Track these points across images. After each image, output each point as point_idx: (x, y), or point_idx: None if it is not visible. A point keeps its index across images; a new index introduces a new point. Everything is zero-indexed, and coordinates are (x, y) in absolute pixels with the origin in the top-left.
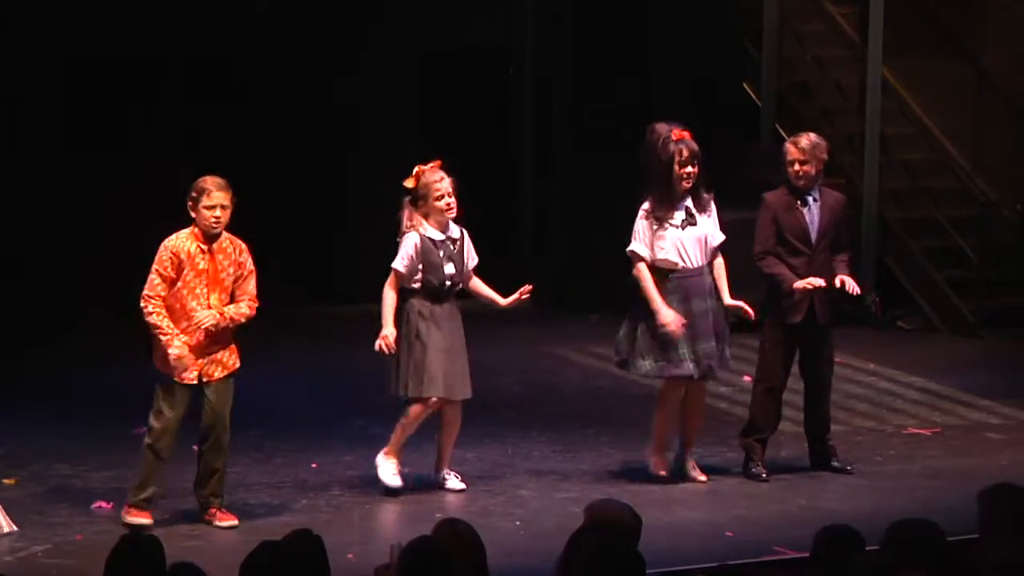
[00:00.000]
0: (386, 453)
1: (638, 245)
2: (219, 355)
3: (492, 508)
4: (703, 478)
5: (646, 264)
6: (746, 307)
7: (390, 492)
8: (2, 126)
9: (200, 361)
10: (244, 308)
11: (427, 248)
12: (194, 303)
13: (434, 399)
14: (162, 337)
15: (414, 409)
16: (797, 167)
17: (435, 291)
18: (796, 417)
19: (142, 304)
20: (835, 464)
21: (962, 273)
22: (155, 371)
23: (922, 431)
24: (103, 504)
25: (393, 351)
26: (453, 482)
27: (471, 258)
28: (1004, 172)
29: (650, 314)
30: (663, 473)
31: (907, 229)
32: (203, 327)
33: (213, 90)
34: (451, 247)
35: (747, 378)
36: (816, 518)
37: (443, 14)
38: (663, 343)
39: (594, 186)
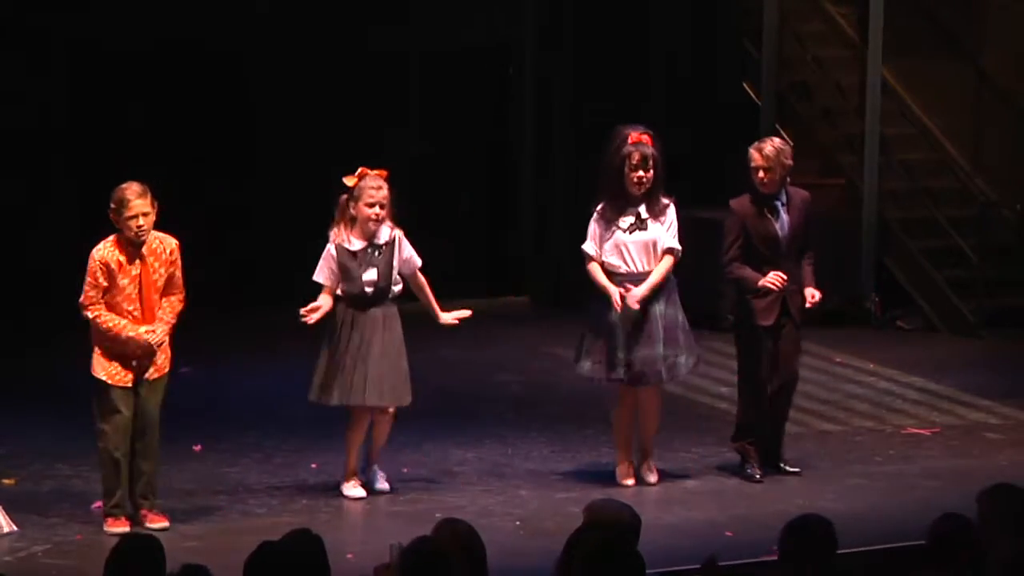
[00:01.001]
0: (344, 481)
1: (589, 244)
2: (154, 357)
3: (492, 508)
4: (653, 479)
5: (596, 262)
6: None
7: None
8: (3, 125)
9: (134, 365)
10: (171, 310)
11: (342, 257)
12: (130, 307)
13: (362, 408)
14: (120, 332)
15: (349, 425)
16: (761, 174)
17: (357, 298)
18: (794, 416)
19: (85, 313)
20: (782, 465)
21: (962, 273)
22: (93, 379)
23: (921, 431)
24: (101, 504)
25: (307, 319)
26: (379, 483)
27: (406, 261)
28: (1004, 172)
29: (596, 314)
30: (629, 483)
31: (907, 229)
32: (155, 343)
33: (213, 90)
34: (373, 254)
35: None
36: None
37: (443, 14)
38: (602, 345)
39: (594, 186)
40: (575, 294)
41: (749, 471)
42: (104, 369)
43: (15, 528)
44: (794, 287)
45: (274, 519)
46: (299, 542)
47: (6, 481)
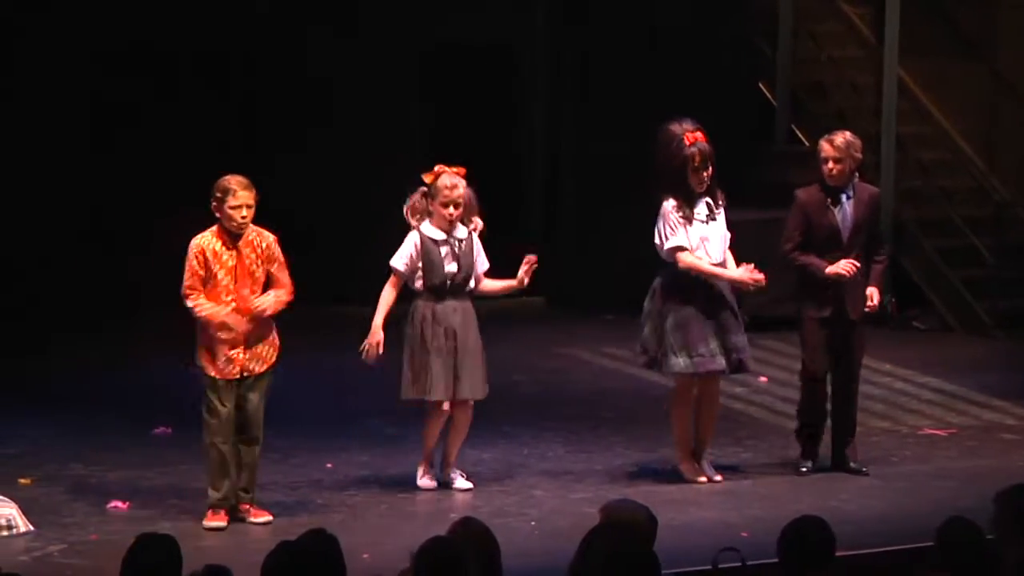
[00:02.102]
0: (420, 464)
1: (679, 239)
2: (260, 350)
3: (506, 508)
4: (718, 478)
5: (692, 253)
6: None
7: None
8: (10, 127)
9: (242, 357)
10: (284, 296)
11: (427, 247)
12: (227, 298)
13: (443, 403)
14: (218, 317)
15: (429, 417)
16: (831, 165)
17: (438, 290)
18: None
19: (186, 302)
20: (852, 465)
21: (977, 273)
22: (199, 371)
23: (937, 431)
24: (119, 504)
25: (373, 358)
26: (460, 482)
27: (480, 261)
28: (1019, 172)
29: (681, 308)
30: (702, 480)
31: (922, 229)
32: (266, 311)
33: (214, 89)
34: (456, 245)
35: (762, 379)
36: (831, 519)
37: (449, 11)
38: (695, 338)
39: (603, 185)
40: (587, 294)
41: (796, 462)
42: (210, 363)
43: (31, 528)
44: (852, 281)
45: (289, 519)
46: (315, 542)
47: (22, 481)
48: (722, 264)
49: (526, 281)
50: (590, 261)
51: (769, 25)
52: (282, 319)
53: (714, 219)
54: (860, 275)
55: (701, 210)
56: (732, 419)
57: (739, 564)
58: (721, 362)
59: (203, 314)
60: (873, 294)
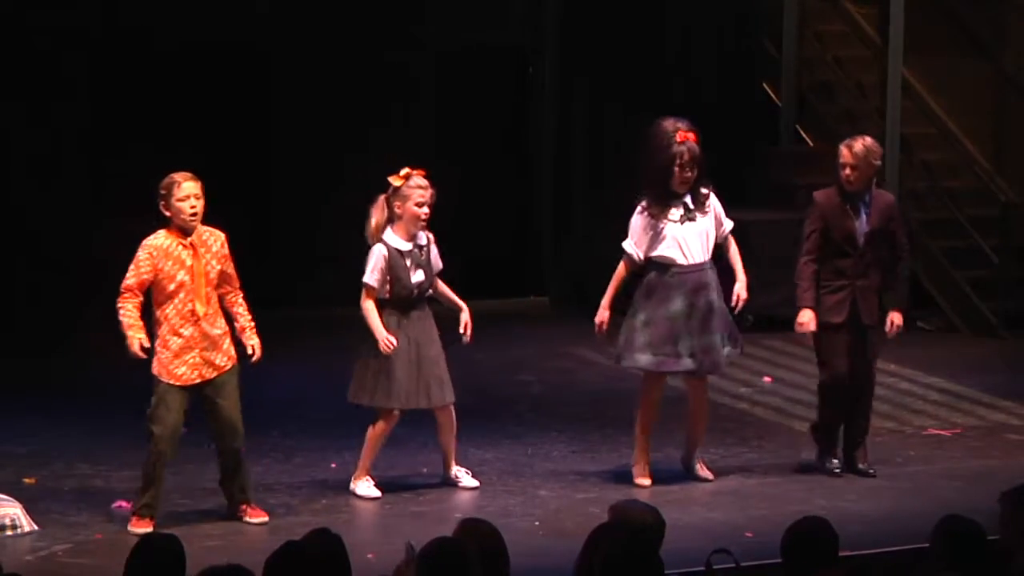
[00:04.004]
0: (356, 478)
1: (629, 243)
2: (211, 356)
3: (511, 508)
4: (711, 476)
5: (627, 263)
6: (742, 299)
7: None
8: (23, 123)
9: (198, 362)
10: (245, 309)
11: (393, 259)
12: (187, 298)
13: (396, 411)
14: (127, 328)
15: (378, 425)
16: (848, 171)
17: (404, 301)
18: (812, 417)
19: (117, 300)
20: (860, 467)
21: (983, 273)
22: (151, 375)
23: (942, 432)
24: (123, 504)
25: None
26: (466, 480)
27: (436, 263)
28: None
29: (652, 306)
30: (646, 483)
31: (927, 229)
32: (259, 357)
33: (221, 88)
34: (419, 254)
35: (767, 379)
36: (836, 519)
37: (462, 13)
38: (661, 337)
39: (612, 187)
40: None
41: (828, 464)
42: (164, 368)
43: (35, 527)
44: (866, 285)
45: (294, 519)
46: (320, 542)
47: (27, 480)
48: (705, 264)
49: (468, 325)
50: (596, 262)
51: (774, 25)
52: (283, 319)
53: (692, 219)
54: (866, 281)
55: (676, 211)
56: (737, 419)
57: (733, 566)
58: (687, 363)
59: (124, 320)
60: (892, 319)
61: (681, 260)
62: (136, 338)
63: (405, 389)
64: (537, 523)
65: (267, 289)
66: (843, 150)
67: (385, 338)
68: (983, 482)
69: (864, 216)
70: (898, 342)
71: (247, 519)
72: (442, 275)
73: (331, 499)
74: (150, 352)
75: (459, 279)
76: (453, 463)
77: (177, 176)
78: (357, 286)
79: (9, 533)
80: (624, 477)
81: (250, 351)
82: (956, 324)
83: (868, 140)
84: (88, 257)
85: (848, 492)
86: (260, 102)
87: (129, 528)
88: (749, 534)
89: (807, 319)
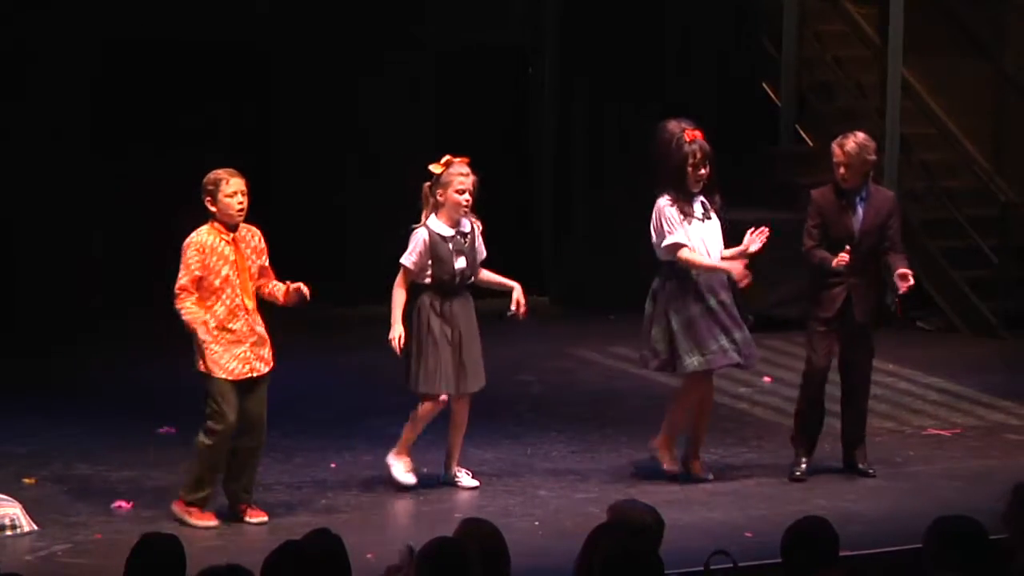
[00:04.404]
0: (397, 453)
1: (678, 235)
2: (262, 351)
3: (511, 508)
4: (711, 476)
5: (688, 248)
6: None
7: (402, 488)
8: (23, 123)
9: (248, 356)
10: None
11: (436, 243)
12: (230, 293)
13: (443, 396)
14: (194, 322)
15: (424, 407)
16: (842, 170)
17: (446, 286)
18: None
19: (175, 302)
20: (860, 467)
21: (982, 273)
22: (200, 374)
23: (942, 432)
24: (123, 504)
25: (399, 351)
26: (465, 480)
27: (481, 252)
28: None
29: (685, 308)
30: (676, 469)
31: (927, 229)
32: (305, 294)
33: (223, 88)
34: (461, 241)
35: (767, 379)
36: (836, 519)
37: (462, 13)
38: (704, 336)
39: (613, 186)
40: (595, 294)
41: (791, 466)
42: (215, 364)
43: (35, 527)
44: (862, 282)
45: (293, 519)
46: (319, 542)
47: (27, 481)
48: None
49: (520, 302)
50: (598, 261)
51: (774, 25)
52: (285, 319)
53: (710, 218)
54: (862, 277)
55: (697, 209)
56: (737, 419)
57: (730, 566)
58: (734, 356)
59: (187, 318)
60: (907, 275)
61: (707, 258)
62: (202, 321)
63: (445, 373)
64: (537, 523)
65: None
66: (835, 149)
67: (396, 335)
68: (983, 482)
69: (860, 212)
70: (898, 339)
71: (247, 519)
72: (485, 264)
73: (331, 499)
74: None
75: None
76: (455, 463)
77: (223, 172)
78: (358, 286)
79: (9, 533)
80: (624, 477)
81: (296, 288)
82: (955, 324)
83: (860, 136)
84: (88, 257)
85: (848, 492)
86: (260, 102)
87: (193, 521)
88: (749, 534)
89: (841, 257)
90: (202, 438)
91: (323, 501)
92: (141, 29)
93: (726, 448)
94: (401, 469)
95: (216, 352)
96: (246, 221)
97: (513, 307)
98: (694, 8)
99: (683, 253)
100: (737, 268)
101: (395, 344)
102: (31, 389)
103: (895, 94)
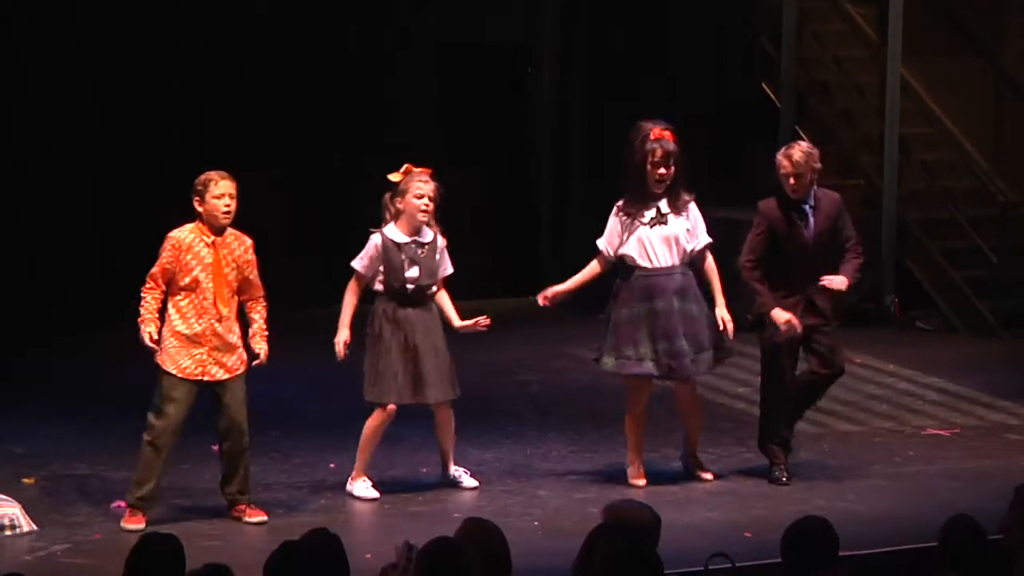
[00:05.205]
0: (352, 478)
1: (602, 240)
2: (222, 357)
3: (510, 508)
4: (709, 476)
5: (599, 261)
6: (728, 323)
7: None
8: (23, 123)
9: (205, 359)
10: (262, 318)
11: (388, 248)
12: (203, 295)
13: (391, 406)
14: (143, 321)
15: (373, 417)
16: (792, 181)
17: (398, 294)
18: (814, 417)
19: (142, 289)
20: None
21: (981, 273)
22: (156, 365)
23: (941, 432)
24: (122, 504)
25: (343, 357)
26: (465, 480)
27: (444, 267)
28: (1023, 172)
29: (618, 308)
30: (640, 483)
31: (926, 229)
32: (264, 361)
33: (221, 88)
34: (416, 250)
35: None
36: (835, 519)
37: (462, 13)
38: (624, 340)
39: (612, 187)
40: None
41: (776, 474)
42: (169, 357)
43: (35, 527)
44: (817, 289)
45: (293, 519)
46: (319, 542)
47: (26, 480)
48: (673, 268)
49: (463, 329)
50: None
51: (773, 25)
52: (286, 319)
53: (663, 223)
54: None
55: (649, 213)
56: (736, 419)
57: (729, 566)
58: (648, 366)
59: (141, 311)
60: (830, 280)
61: (644, 263)
62: (147, 331)
63: (398, 383)
64: (536, 523)
65: (267, 289)
66: (782, 160)
67: (341, 339)
68: (982, 482)
69: (811, 222)
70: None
71: (246, 519)
72: (446, 281)
73: (330, 499)
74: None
75: (458, 279)
76: (452, 463)
77: (214, 174)
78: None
79: (8, 533)
80: (623, 477)
81: (257, 354)
82: (955, 324)
83: (804, 145)
84: (88, 257)
85: (847, 492)
86: (260, 102)
87: (122, 524)
88: (748, 534)
89: (788, 315)
90: (144, 435)
91: (322, 501)
92: (141, 29)
93: (724, 447)
94: (361, 487)
95: (173, 347)
96: (237, 228)
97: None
98: (694, 8)
99: (595, 260)
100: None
101: (339, 348)
102: (31, 389)
103: (894, 94)
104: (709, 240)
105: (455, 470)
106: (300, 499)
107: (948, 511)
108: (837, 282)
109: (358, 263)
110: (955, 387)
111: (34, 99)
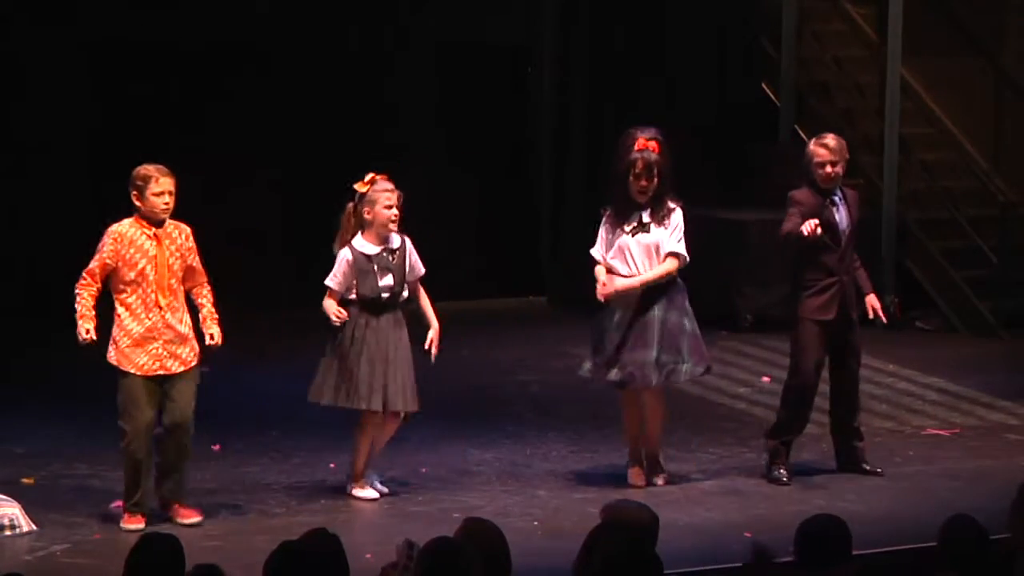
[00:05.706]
0: (351, 483)
1: (595, 248)
2: (176, 349)
3: (510, 508)
4: (660, 482)
5: (600, 266)
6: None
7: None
8: (23, 123)
9: (161, 353)
10: (210, 303)
11: (358, 261)
12: (148, 288)
13: (377, 412)
14: (79, 315)
15: (361, 425)
16: (829, 168)
17: (371, 304)
18: (814, 417)
19: (77, 284)
20: (866, 467)
21: (981, 273)
22: (112, 368)
23: (941, 432)
24: (121, 504)
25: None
26: (376, 485)
27: (415, 268)
28: (1023, 172)
29: (598, 317)
30: (639, 483)
31: (926, 229)
32: (218, 342)
33: (223, 84)
34: (388, 259)
35: (765, 379)
36: None
37: (461, 13)
38: (595, 346)
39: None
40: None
41: (776, 473)
42: (124, 356)
43: (34, 527)
44: (850, 280)
45: (292, 519)
46: (318, 542)
47: (25, 481)
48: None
49: (434, 341)
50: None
51: (773, 25)
52: (286, 320)
53: (645, 231)
54: (848, 274)
55: (633, 222)
56: (737, 419)
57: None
58: (613, 374)
59: (77, 308)
60: (873, 304)
61: (624, 271)
62: (85, 327)
63: (368, 387)
64: (536, 523)
65: (266, 288)
66: (818, 149)
67: (335, 311)
68: (982, 482)
69: (843, 211)
70: (897, 340)
71: (179, 520)
72: (423, 280)
73: (329, 499)
74: (104, 341)
75: (458, 279)
76: (371, 465)
77: (153, 170)
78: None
79: (8, 533)
80: (623, 477)
81: (208, 338)
82: (955, 324)
83: (834, 136)
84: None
85: (847, 492)
86: (260, 102)
87: (122, 524)
88: (748, 534)
89: (807, 226)
90: (120, 443)
91: (321, 501)
92: (141, 29)
93: (724, 448)
94: (363, 493)
95: (126, 345)
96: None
97: (426, 345)
98: (694, 8)
99: (594, 269)
100: (598, 286)
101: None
102: (31, 389)
103: (894, 94)
104: (678, 250)
105: (370, 473)
106: (300, 499)
107: (948, 511)
108: (877, 304)
109: (332, 281)
110: (955, 387)
111: (34, 99)
